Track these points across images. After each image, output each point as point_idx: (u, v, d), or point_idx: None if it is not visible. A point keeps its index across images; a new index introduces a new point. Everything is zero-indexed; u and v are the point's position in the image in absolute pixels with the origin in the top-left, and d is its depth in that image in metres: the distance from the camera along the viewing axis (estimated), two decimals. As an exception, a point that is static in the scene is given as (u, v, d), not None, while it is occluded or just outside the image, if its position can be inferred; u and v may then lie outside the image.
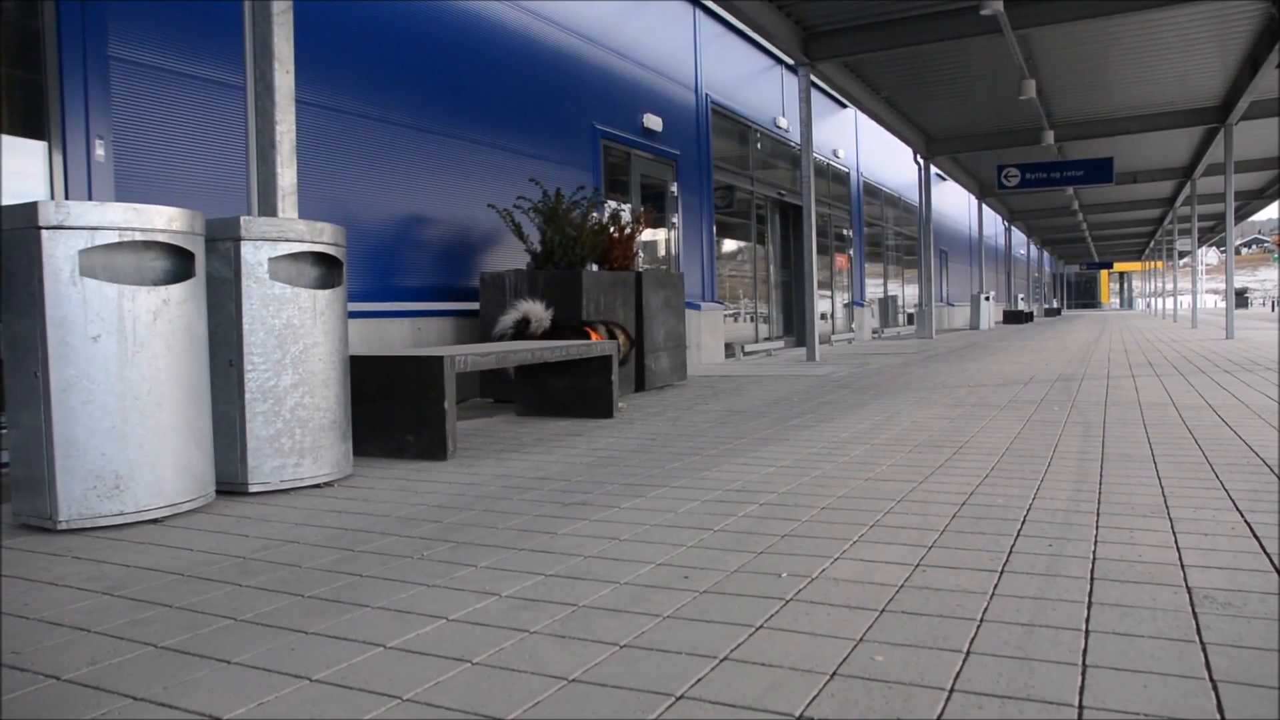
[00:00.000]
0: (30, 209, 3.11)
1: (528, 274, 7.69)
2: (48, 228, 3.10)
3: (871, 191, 22.53)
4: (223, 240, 3.79)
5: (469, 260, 8.53)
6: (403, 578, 2.55)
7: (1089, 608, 2.14)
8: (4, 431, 3.64)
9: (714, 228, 13.77)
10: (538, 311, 6.85)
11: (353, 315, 6.64)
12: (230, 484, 3.80)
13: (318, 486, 3.97)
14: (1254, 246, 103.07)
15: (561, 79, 10.00)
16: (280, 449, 3.85)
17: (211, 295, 3.74)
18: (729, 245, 15.33)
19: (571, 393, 6.43)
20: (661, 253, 12.46)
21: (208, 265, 3.73)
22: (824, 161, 18.51)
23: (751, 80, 15.37)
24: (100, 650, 2.04)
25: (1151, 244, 52.29)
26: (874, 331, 22.01)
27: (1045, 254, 58.23)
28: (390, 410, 4.77)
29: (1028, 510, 3.18)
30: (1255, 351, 12.14)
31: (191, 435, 3.45)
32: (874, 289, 23.28)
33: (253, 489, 3.80)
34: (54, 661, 1.99)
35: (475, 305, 8.23)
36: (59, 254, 3.12)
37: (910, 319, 25.70)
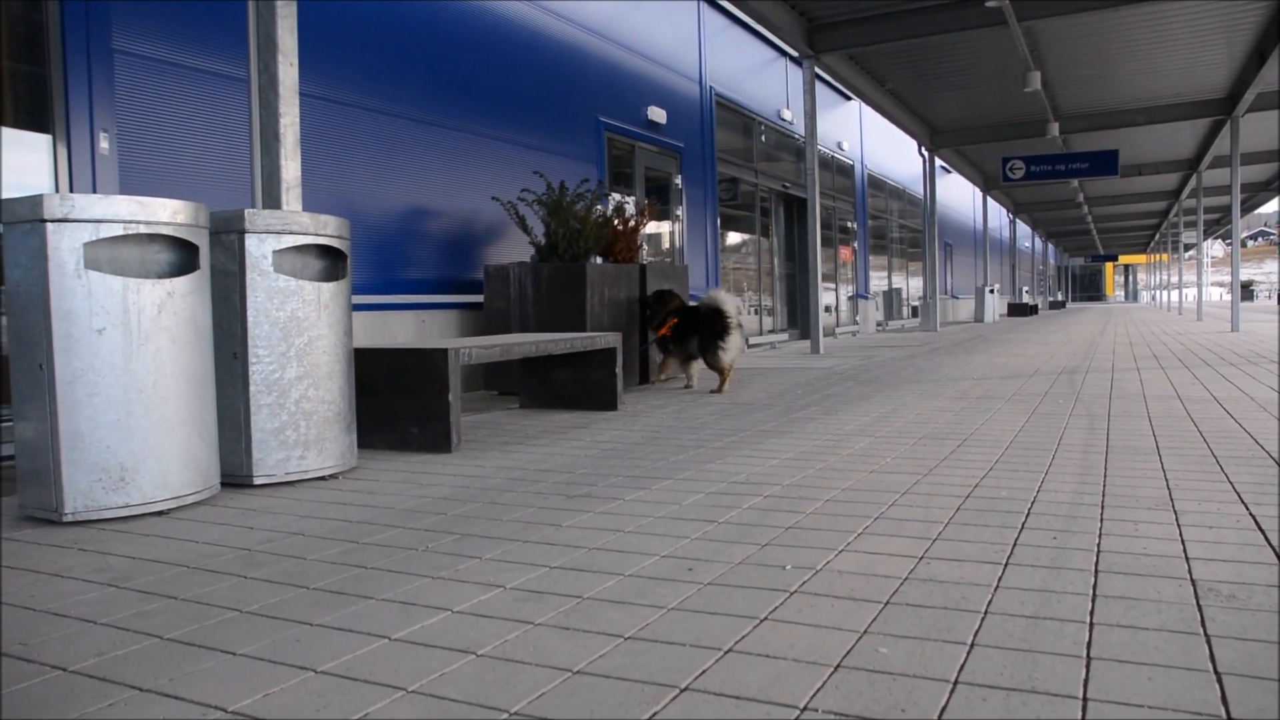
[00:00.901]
0: (35, 202, 3.11)
1: (532, 266, 7.68)
2: (52, 220, 3.10)
3: (876, 184, 22.49)
4: (227, 233, 3.79)
5: (473, 253, 8.52)
6: (407, 570, 2.55)
7: (1093, 600, 2.14)
8: (9, 424, 3.65)
9: (718, 220, 13.76)
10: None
11: (357, 308, 6.65)
12: (235, 476, 3.81)
13: (322, 479, 3.98)
14: (1259, 239, 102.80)
15: (566, 72, 9.98)
16: (285, 441, 3.86)
17: (216, 288, 3.75)
18: (733, 238, 15.31)
19: (576, 385, 6.43)
20: (665, 245, 12.45)
21: (212, 258, 3.73)
22: (828, 154, 18.48)
23: (756, 72, 15.34)
24: (106, 642, 2.05)
25: (1156, 236, 52.14)
26: (878, 324, 21.98)
27: (1050, 246, 58.08)
28: (395, 403, 4.77)
29: (1032, 503, 3.18)
30: (1260, 344, 12.12)
31: (196, 428, 3.46)
32: (878, 282, 23.26)
33: (258, 481, 3.80)
34: (60, 653, 1.99)
35: (479, 298, 8.23)
36: (64, 247, 3.12)
37: (915, 312, 25.66)
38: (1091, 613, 2.06)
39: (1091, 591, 2.20)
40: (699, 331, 7.28)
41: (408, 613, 2.19)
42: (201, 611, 2.24)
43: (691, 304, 7.61)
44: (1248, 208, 35.73)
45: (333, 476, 4.02)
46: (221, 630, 2.10)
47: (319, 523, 3.18)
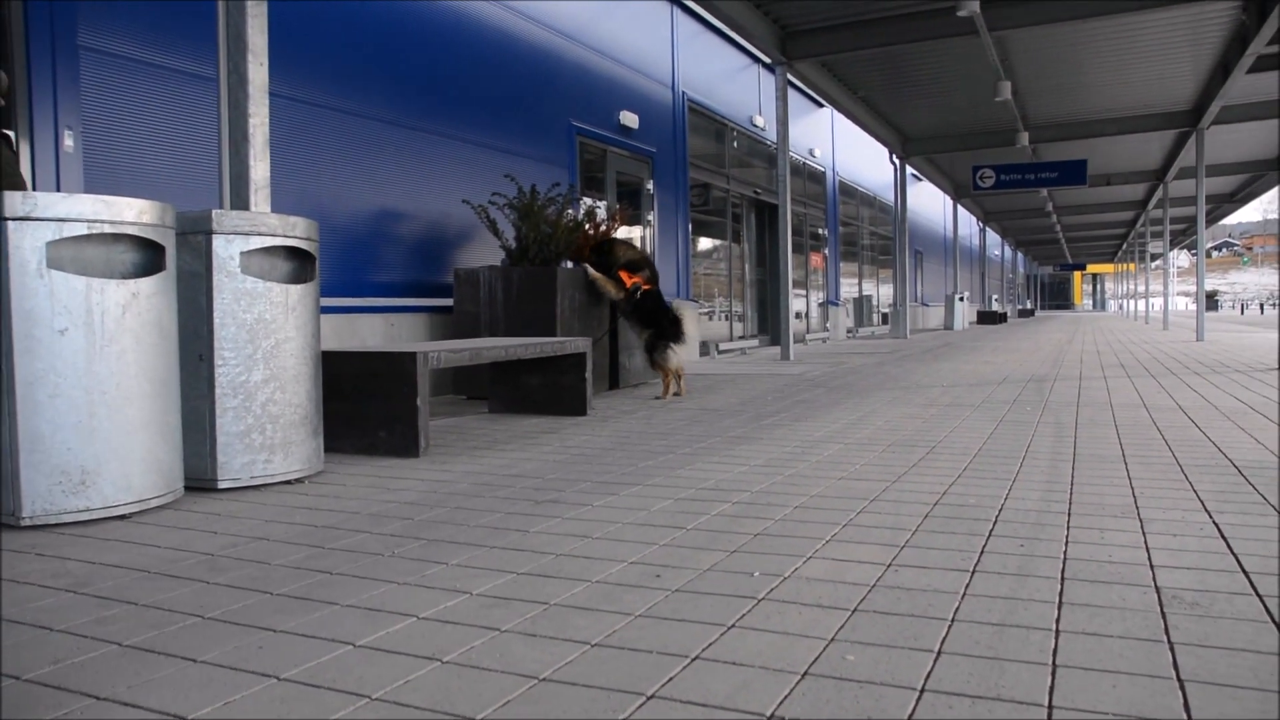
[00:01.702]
0: (-4, 200, 3.07)
1: (502, 271, 7.66)
2: (14, 219, 3.06)
3: (847, 191, 22.60)
4: (194, 234, 3.75)
5: (443, 256, 8.49)
6: (373, 575, 2.53)
7: (1059, 608, 2.16)
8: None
9: (689, 226, 13.78)
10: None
11: (325, 310, 6.60)
12: (199, 480, 3.77)
13: (288, 483, 3.94)
14: (1224, 250, 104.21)
15: (538, 75, 9.97)
16: (250, 445, 3.82)
17: (182, 289, 3.70)
18: (704, 243, 15.33)
19: (545, 390, 6.41)
20: (637, 250, 12.45)
21: (178, 259, 3.69)
22: (800, 160, 18.56)
23: (728, 78, 15.38)
24: (63, 649, 2.02)
25: (1124, 246, 52.66)
26: (848, 331, 22.08)
27: (1019, 255, 58.59)
28: (362, 406, 4.74)
29: (1000, 510, 3.20)
30: (1225, 354, 12.27)
31: (160, 431, 3.42)
32: (849, 288, 23.37)
33: (222, 485, 3.77)
34: (15, 660, 1.96)
35: (449, 301, 8.20)
36: (26, 245, 3.07)
37: (885, 319, 25.78)
38: (1057, 620, 2.07)
39: (1058, 599, 2.22)
40: (658, 324, 7.40)
41: (372, 619, 2.17)
42: (162, 617, 2.21)
43: (663, 296, 7.75)
44: (1213, 218, 36.22)
45: (298, 480, 3.99)
46: (182, 636, 2.08)
47: (284, 527, 3.15)
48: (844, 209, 22.33)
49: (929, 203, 30.26)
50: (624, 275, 7.54)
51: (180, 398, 3.62)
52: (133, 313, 3.30)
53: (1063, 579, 2.38)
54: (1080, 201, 32.84)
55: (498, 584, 2.43)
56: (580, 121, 10.76)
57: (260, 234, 3.87)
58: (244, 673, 1.86)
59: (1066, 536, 2.81)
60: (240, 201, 4.43)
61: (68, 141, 5.18)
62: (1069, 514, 3.12)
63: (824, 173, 20.50)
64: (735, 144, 15.84)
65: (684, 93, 13.50)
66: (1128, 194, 30.64)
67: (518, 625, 2.11)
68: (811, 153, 19.39)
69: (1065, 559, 2.56)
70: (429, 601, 2.29)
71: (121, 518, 3.28)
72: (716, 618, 2.14)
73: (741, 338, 16.12)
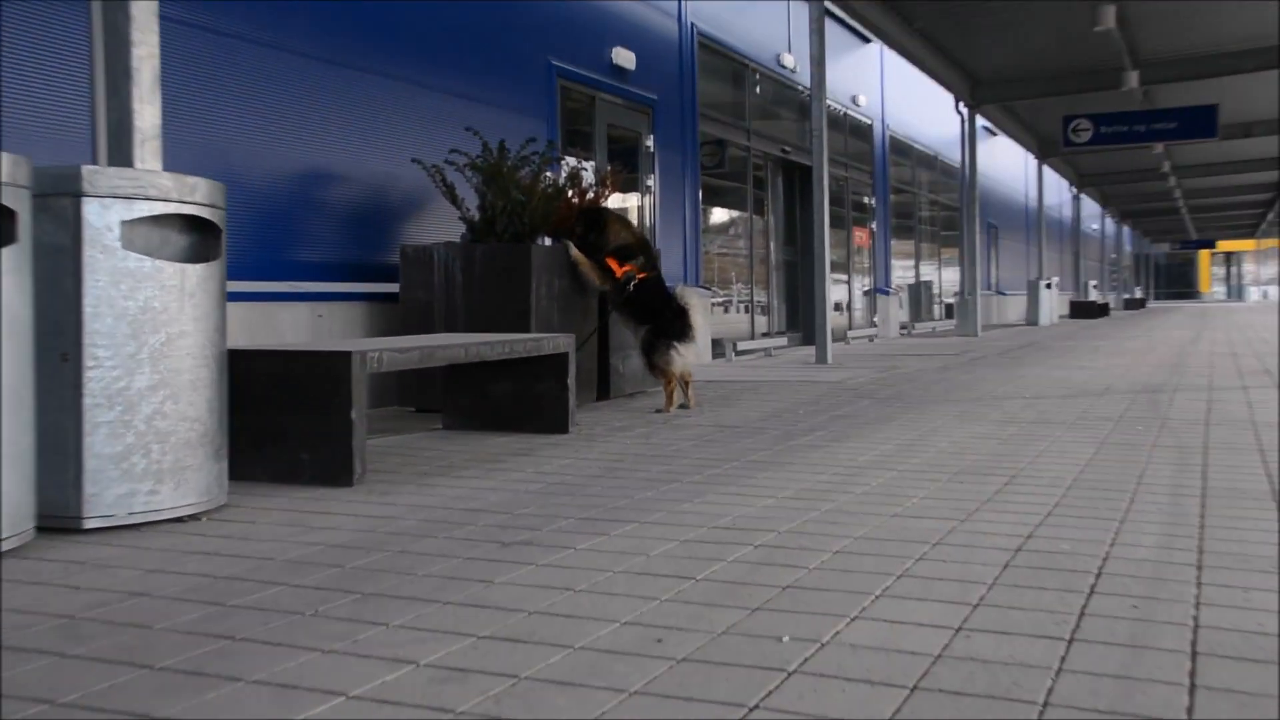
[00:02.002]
0: None
1: (463, 248, 7.66)
2: None
3: (901, 149, 22.68)
4: (57, 196, 3.71)
5: (387, 229, 8.48)
6: (290, 641, 2.50)
7: (1191, 693, 2.11)
8: None
9: (700, 192, 13.82)
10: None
11: (233, 297, 6.54)
12: (58, 518, 3.71)
13: (180, 520, 3.92)
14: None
15: (508, 2, 9.96)
16: (130, 471, 3.78)
17: (40, 268, 3.66)
18: (718, 215, 15.38)
19: (516, 401, 6.40)
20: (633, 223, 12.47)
21: (35, 229, 3.64)
22: (840, 110, 18.61)
23: (749, 7, 15.42)
24: (-125, 738, 1.97)
25: (1269, 216, 52.80)
26: (903, 326, 22.15)
27: (1125, 230, 58.83)
28: (280, 421, 4.73)
29: (1104, 560, 3.17)
30: (1386, 357, 12.26)
31: (5, 453, 3.37)
32: (903, 273, 23.43)
33: (90, 524, 3.72)
34: None
35: (394, 287, 8.18)
36: None
37: (949, 311, 25.86)
38: (1189, 710, 2.03)
39: (1188, 681, 2.17)
40: (659, 317, 7.41)
41: (287, 699, 2.14)
42: None
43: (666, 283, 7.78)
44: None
45: (194, 518, 3.96)
46: (32, 723, 2.03)
47: (172, 579, 3.11)
48: (896, 172, 22.41)
49: (1006, 163, 30.37)
50: (612, 263, 7.51)
51: (34, 410, 3.58)
52: (-23, 298, 3.26)
53: (1194, 654, 2.33)
54: (1208, 159, 32.83)
55: (453, 651, 2.40)
56: (562, 60, 10.76)
57: (148, 198, 3.84)
58: (112, 771, 1.82)
59: (1197, 597, 2.78)
60: (122, 156, 4.38)
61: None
62: (1199, 567, 3.09)
63: (871, 126, 20.56)
64: (758, 90, 15.89)
65: (693, 25, 13.52)
66: (1272, 148, 30.53)
67: (478, 706, 2.08)
68: (855, 101, 19.45)
69: (1196, 627, 2.52)
70: (363, 675, 2.26)
71: (-41, 566, 3.24)
72: (734, 696, 2.11)
73: (766, 335, 16.17)
